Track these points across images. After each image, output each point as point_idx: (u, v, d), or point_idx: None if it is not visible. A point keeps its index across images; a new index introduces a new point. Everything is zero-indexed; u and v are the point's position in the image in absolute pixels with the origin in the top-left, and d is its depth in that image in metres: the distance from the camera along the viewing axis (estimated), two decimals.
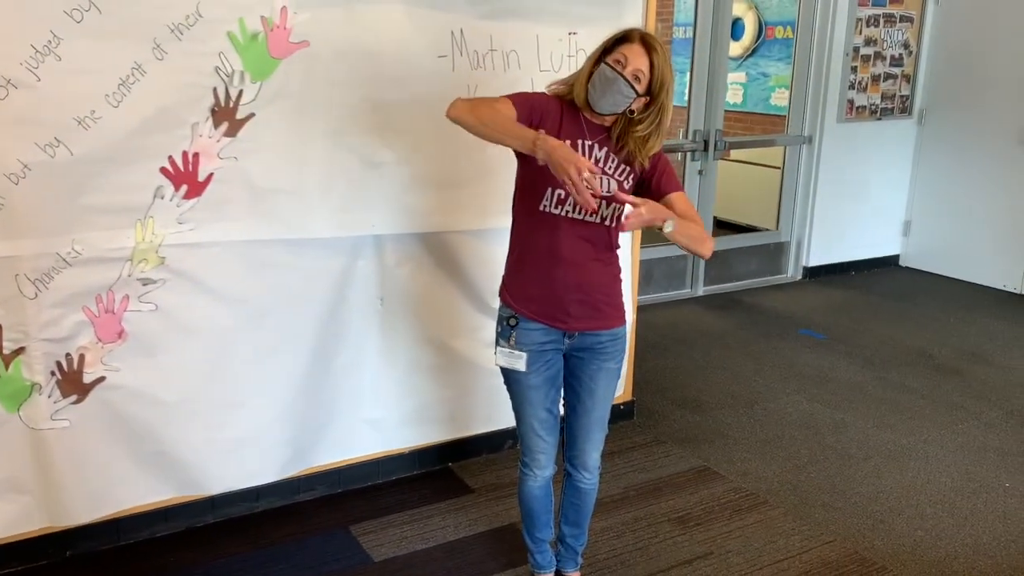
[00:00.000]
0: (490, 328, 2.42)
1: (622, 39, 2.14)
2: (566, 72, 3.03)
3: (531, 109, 2.16)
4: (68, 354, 2.48)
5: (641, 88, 2.12)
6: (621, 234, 2.27)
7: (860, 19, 5.78)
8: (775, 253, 6.12)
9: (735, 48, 6.94)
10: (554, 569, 2.60)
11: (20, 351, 2.43)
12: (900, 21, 5.97)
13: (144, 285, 2.52)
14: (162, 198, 2.49)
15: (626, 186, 2.23)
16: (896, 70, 6.07)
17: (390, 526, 2.95)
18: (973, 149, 5.94)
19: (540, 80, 2.99)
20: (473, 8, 2.87)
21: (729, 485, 3.28)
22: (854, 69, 5.86)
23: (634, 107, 2.16)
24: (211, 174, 2.54)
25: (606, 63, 2.12)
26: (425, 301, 3.07)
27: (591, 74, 2.15)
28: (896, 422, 3.86)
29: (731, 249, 5.90)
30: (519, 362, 2.27)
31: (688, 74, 5.40)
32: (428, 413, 3.21)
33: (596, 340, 2.30)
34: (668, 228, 2.08)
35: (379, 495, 3.13)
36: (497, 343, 2.32)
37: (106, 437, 2.59)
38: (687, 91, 5.41)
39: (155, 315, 2.56)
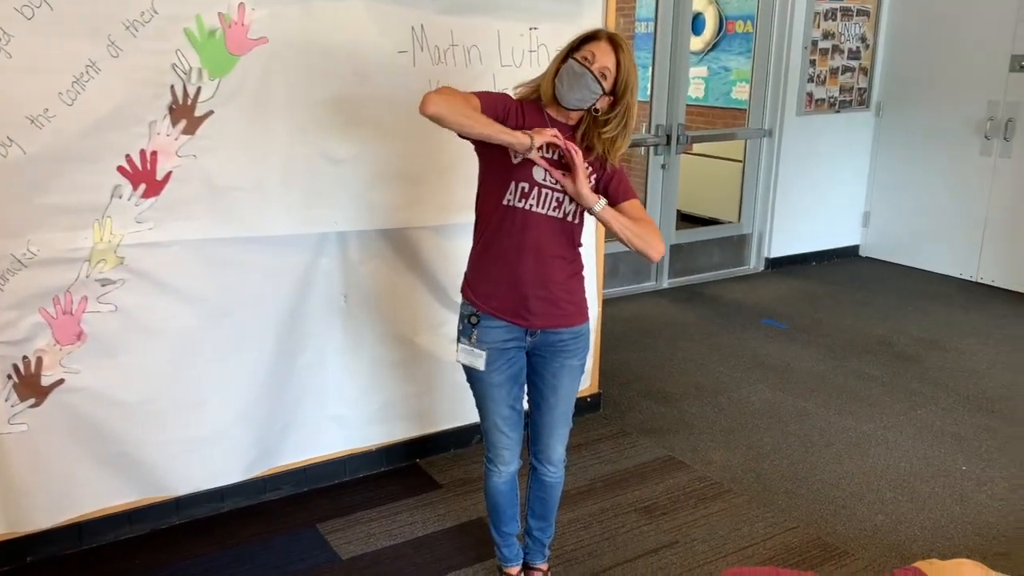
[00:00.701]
0: (454, 323, 2.42)
1: (589, 37, 2.18)
2: (527, 67, 3.06)
3: (496, 107, 2.18)
4: (25, 357, 2.44)
5: (607, 85, 2.15)
6: (584, 231, 2.29)
7: (818, 13, 5.87)
8: (738, 245, 6.20)
9: (696, 43, 7.01)
10: (521, 562, 2.61)
11: None
12: (857, 15, 6.07)
13: (103, 286, 2.49)
14: (120, 197, 2.46)
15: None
16: (854, 63, 6.16)
17: (357, 523, 2.94)
18: (929, 140, 6.05)
19: (502, 75, 3.00)
20: (434, 3, 2.87)
21: (694, 474, 3.32)
22: (813, 63, 5.94)
23: (599, 106, 2.18)
24: (169, 172, 2.51)
25: (574, 59, 2.15)
26: (389, 298, 3.06)
27: (558, 70, 2.17)
28: (856, 409, 3.93)
29: (694, 242, 5.97)
30: (479, 361, 2.27)
31: (650, 69, 5.44)
32: (394, 410, 3.21)
33: (558, 338, 2.31)
34: (598, 207, 2.17)
35: (346, 493, 3.12)
36: (458, 340, 2.33)
37: (67, 440, 2.56)
38: (649, 86, 5.45)
39: (115, 316, 2.53)
